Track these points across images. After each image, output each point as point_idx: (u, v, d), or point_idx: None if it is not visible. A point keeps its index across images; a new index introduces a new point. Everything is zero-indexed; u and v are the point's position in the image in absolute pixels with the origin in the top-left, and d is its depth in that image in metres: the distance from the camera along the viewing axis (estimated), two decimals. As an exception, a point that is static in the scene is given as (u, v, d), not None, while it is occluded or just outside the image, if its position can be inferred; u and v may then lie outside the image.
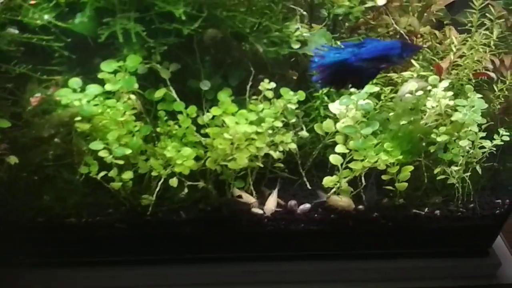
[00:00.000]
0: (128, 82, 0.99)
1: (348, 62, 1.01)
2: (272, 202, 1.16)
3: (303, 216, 1.18)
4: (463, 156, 1.15)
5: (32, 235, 1.14)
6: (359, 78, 1.03)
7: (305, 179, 1.23)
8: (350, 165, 1.11)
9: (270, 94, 1.12)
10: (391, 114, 1.11)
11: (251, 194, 1.18)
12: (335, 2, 1.17)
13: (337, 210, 1.17)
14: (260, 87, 1.12)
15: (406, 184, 1.15)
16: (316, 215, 1.19)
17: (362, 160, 1.10)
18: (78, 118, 1.00)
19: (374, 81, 1.16)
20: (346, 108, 1.11)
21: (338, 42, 1.15)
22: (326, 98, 1.17)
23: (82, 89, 1.03)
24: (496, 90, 1.19)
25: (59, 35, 0.96)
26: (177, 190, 1.10)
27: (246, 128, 1.03)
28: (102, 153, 1.01)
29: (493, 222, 1.25)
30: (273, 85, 1.12)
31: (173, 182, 1.08)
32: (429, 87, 1.10)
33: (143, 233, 1.15)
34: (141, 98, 1.08)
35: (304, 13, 1.15)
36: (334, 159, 1.13)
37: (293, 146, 1.16)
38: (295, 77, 1.23)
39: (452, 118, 1.09)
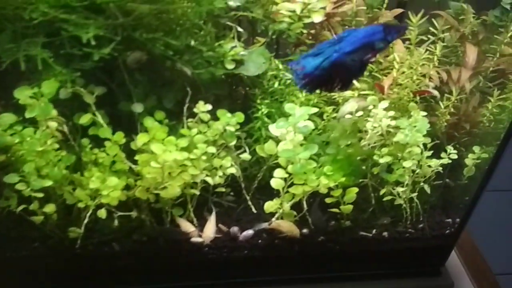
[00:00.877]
0: (44, 110, 0.92)
1: (331, 61, 0.95)
2: (210, 229, 1.10)
3: (245, 243, 1.13)
4: (409, 176, 1.11)
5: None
6: (346, 75, 0.97)
7: (249, 203, 1.18)
8: (290, 189, 1.06)
9: (205, 117, 1.07)
10: (331, 135, 1.07)
11: (192, 222, 1.13)
12: (274, 18, 1.12)
13: (280, 235, 1.12)
14: (195, 109, 1.07)
15: (351, 206, 1.11)
16: (260, 241, 1.14)
17: (302, 184, 1.06)
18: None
19: (315, 100, 1.12)
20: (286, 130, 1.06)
21: (277, 61, 1.11)
22: (266, 119, 1.12)
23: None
24: (442, 107, 1.16)
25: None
26: (108, 221, 1.04)
27: (176, 155, 0.97)
28: (20, 186, 0.94)
29: (444, 241, 1.22)
30: (208, 107, 1.07)
31: (101, 213, 1.01)
32: (371, 107, 1.06)
33: (73, 268, 1.08)
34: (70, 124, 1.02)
35: (241, 30, 1.10)
36: (275, 183, 1.08)
37: (233, 170, 1.10)
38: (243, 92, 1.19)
39: (394, 139, 1.05)
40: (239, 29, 1.10)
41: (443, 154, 1.14)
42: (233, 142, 1.10)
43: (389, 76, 1.09)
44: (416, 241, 1.19)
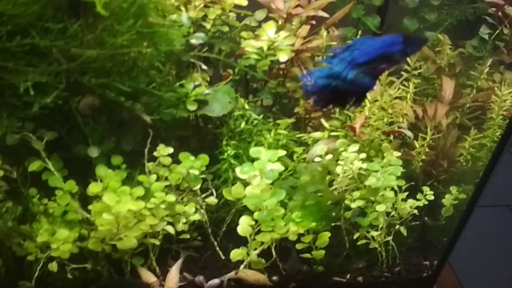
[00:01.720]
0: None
1: (342, 76, 0.86)
2: (172, 279, 1.03)
3: (211, 293, 1.06)
4: (384, 219, 1.06)
5: None
6: (359, 89, 0.88)
7: (217, 248, 1.11)
8: (257, 237, 1.00)
9: (167, 161, 1.00)
10: (300, 179, 1.01)
11: (154, 271, 1.06)
12: (242, 53, 1.07)
13: (248, 284, 1.05)
14: (155, 153, 1.00)
15: (323, 252, 1.05)
16: (227, 291, 1.07)
17: (270, 231, 0.99)
18: None
19: (284, 141, 1.06)
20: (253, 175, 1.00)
21: (243, 100, 1.05)
22: (233, 160, 1.06)
23: None
24: (417, 146, 1.11)
25: None
26: (61, 274, 0.96)
27: (130, 205, 0.90)
28: (-40, 241, 0.87)
29: (422, 284, 1.17)
30: (170, 150, 1.01)
31: (53, 266, 0.93)
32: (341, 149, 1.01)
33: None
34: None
35: (205, 68, 1.04)
36: (242, 230, 1.02)
37: (197, 217, 1.04)
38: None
39: (366, 183, 1.00)
40: (204, 66, 1.04)
41: (419, 196, 1.09)
42: (198, 186, 1.04)
43: (361, 115, 1.04)
44: (393, 285, 1.13)
